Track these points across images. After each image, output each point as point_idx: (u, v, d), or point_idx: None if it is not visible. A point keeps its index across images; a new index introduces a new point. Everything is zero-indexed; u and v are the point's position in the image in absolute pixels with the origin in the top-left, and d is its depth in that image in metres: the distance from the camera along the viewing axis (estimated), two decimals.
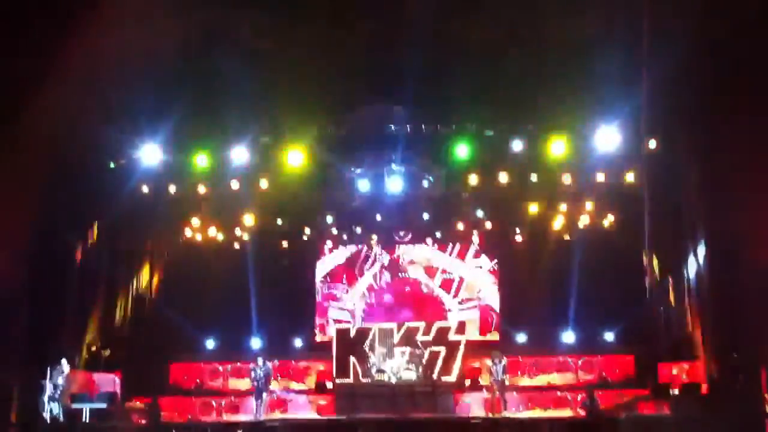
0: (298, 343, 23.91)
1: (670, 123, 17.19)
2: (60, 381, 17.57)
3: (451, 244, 24.81)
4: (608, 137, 18.12)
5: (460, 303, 24.48)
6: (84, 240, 19.75)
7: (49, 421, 17.19)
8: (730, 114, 14.81)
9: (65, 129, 16.14)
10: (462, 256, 24.79)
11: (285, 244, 24.44)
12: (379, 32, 16.29)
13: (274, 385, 20.89)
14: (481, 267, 24.65)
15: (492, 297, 24.44)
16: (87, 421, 17.57)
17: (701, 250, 17.38)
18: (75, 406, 17.66)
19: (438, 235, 24.47)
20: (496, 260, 24.59)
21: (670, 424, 15.58)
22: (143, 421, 17.86)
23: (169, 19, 15.85)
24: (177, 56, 16.71)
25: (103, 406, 17.98)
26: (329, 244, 24.94)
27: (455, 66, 16.85)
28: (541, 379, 21.75)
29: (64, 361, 17.87)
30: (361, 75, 17.04)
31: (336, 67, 16.86)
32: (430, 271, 24.81)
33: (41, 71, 15.08)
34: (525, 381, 21.59)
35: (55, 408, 17.44)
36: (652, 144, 17.80)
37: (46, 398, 17.55)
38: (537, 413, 19.94)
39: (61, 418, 17.18)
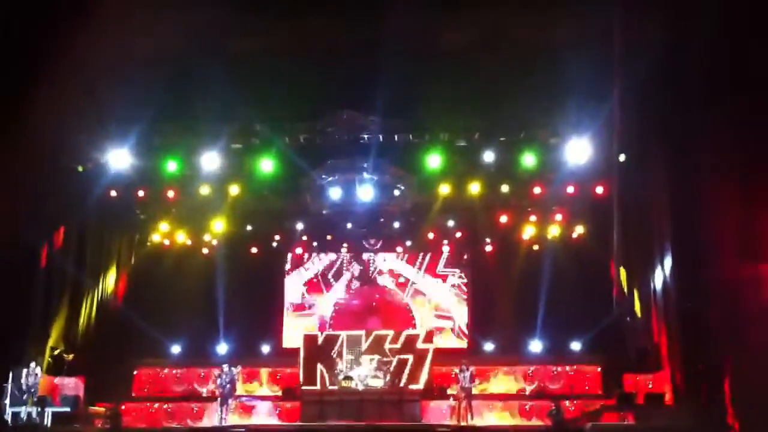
0: (265, 349, 23.80)
1: (640, 136, 17.40)
2: (31, 380, 17.45)
3: (421, 254, 24.91)
4: (579, 149, 18.30)
5: (429, 312, 24.56)
6: (50, 243, 19.50)
7: (10, 424, 17.00)
8: (700, 128, 15.03)
9: (33, 132, 15.90)
10: (432, 265, 24.90)
11: (254, 250, 24.35)
12: (353, 41, 16.28)
13: (239, 391, 20.74)
14: (449, 277, 24.80)
15: (460, 306, 24.57)
16: (49, 425, 17.36)
17: (668, 261, 17.59)
18: (40, 409, 17.46)
19: (408, 243, 24.55)
20: (465, 269, 24.72)
21: None
22: (106, 426, 17.65)
23: (141, 23, 15.71)
24: (148, 60, 16.57)
25: (67, 409, 17.78)
26: (299, 251, 24.89)
27: (428, 76, 16.88)
28: (509, 388, 21.81)
29: (33, 363, 17.73)
30: (335, 83, 17.01)
31: (309, 75, 16.81)
32: (399, 281, 24.91)
33: (8, 73, 14.88)
34: (492, 389, 21.64)
35: (24, 411, 17.28)
36: (622, 157, 18.02)
37: (8, 401, 17.37)
38: (504, 422, 20.01)
39: (28, 420, 17.08)
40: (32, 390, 17.51)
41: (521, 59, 16.39)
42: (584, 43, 15.48)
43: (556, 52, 15.87)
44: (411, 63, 16.65)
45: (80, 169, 19.42)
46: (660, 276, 18.20)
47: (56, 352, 19.83)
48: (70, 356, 20.25)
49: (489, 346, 23.47)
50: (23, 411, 17.37)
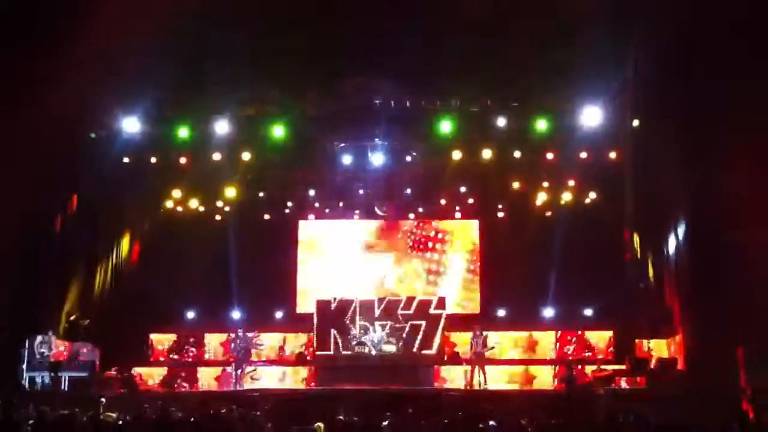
0: (278, 314, 23.92)
1: (653, 101, 17.25)
2: (45, 350, 17.66)
3: (433, 220, 24.89)
4: (592, 115, 18.19)
5: (440, 276, 24.61)
6: (64, 210, 19.63)
7: (27, 389, 17.26)
8: (713, 94, 14.89)
9: (46, 99, 15.93)
10: (444, 231, 24.89)
11: (266, 216, 24.38)
12: (366, 5, 16.16)
13: (253, 356, 20.91)
14: (461, 243, 24.81)
15: (472, 272, 24.58)
16: (66, 389, 17.60)
17: (681, 227, 17.54)
18: (54, 374, 17.68)
19: (420, 210, 24.50)
20: (477, 235, 24.71)
21: (647, 399, 15.79)
22: (122, 390, 17.87)
23: None
24: (160, 26, 16.49)
25: (84, 374, 18.00)
26: (312, 217, 24.91)
27: (441, 41, 16.75)
28: (521, 354, 21.91)
29: (50, 332, 17.94)
30: (347, 48, 16.91)
31: (321, 40, 16.72)
32: (413, 244, 24.92)
33: (21, 43, 14.88)
34: (504, 355, 21.72)
35: (38, 376, 17.54)
36: (636, 122, 17.89)
37: (24, 367, 17.61)
38: (516, 387, 20.12)
39: (42, 386, 17.30)
40: (45, 356, 17.75)
41: (535, 25, 16.25)
42: (599, 8, 15.30)
43: (571, 18, 15.71)
44: (424, 29, 16.54)
45: (93, 136, 19.44)
46: (673, 242, 18.18)
47: (72, 318, 20.02)
48: (86, 322, 20.43)
49: (501, 312, 23.49)
50: (38, 377, 17.64)
